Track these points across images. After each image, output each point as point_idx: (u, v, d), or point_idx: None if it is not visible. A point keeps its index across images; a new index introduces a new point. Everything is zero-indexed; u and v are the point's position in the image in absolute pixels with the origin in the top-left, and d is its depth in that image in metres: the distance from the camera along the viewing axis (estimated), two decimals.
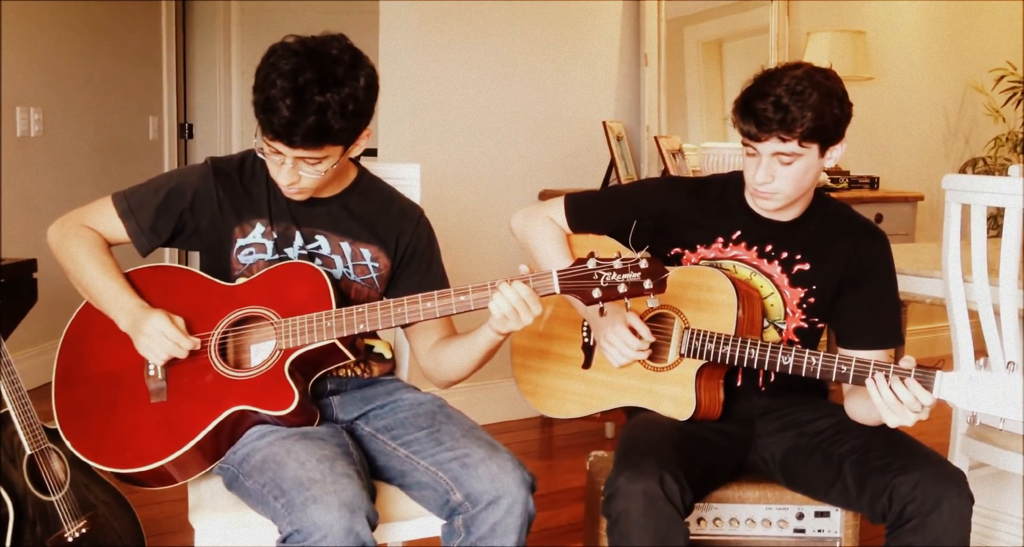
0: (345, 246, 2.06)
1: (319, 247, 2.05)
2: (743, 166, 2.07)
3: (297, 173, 1.91)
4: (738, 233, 2.14)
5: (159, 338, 1.89)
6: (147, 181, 2.07)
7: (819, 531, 2.12)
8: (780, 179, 2.01)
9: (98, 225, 2.04)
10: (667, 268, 1.81)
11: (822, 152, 2.02)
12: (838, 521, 2.12)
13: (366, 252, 2.07)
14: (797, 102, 1.94)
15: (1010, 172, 2.64)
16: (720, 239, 2.15)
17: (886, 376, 1.83)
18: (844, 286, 2.12)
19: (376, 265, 2.08)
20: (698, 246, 2.16)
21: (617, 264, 1.80)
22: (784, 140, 1.96)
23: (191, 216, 2.03)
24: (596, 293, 1.80)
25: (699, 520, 2.12)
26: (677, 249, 2.17)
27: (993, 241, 2.43)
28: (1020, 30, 5.44)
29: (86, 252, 1.99)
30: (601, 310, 1.83)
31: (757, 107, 1.96)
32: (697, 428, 2.06)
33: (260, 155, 1.93)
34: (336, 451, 1.86)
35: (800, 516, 2.12)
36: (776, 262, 2.13)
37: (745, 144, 2.03)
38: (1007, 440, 2.43)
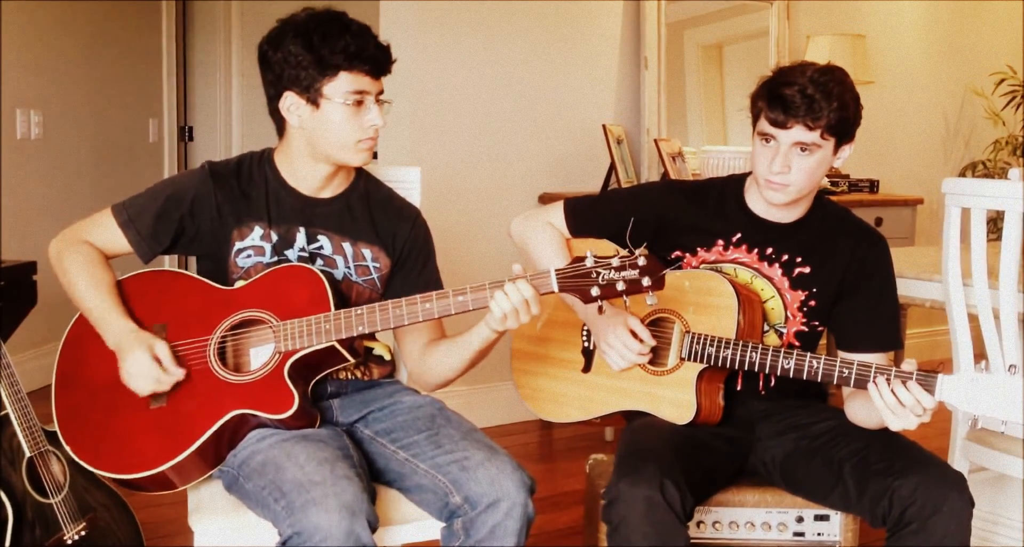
0: (347, 246, 2.06)
1: (321, 247, 2.05)
2: (755, 158, 2.07)
3: (381, 114, 1.96)
4: (738, 235, 2.14)
5: (138, 376, 1.88)
6: (145, 190, 2.07)
7: (818, 535, 2.12)
8: (796, 171, 2.02)
9: (98, 238, 2.04)
10: (664, 266, 1.81)
11: (835, 150, 2.03)
12: (837, 524, 2.12)
13: (367, 252, 2.07)
14: (822, 92, 1.96)
15: (1010, 175, 2.64)
16: (720, 242, 2.15)
17: (887, 380, 1.83)
18: (843, 289, 2.12)
19: (377, 265, 2.08)
20: (698, 249, 2.16)
21: (615, 262, 1.80)
22: (810, 128, 1.98)
23: (191, 221, 2.03)
24: (595, 291, 1.80)
25: (699, 523, 2.12)
26: (677, 252, 2.17)
27: (993, 244, 2.43)
28: (1019, 33, 5.45)
29: (79, 267, 1.99)
30: (600, 308, 1.83)
31: (785, 93, 1.98)
32: (697, 432, 2.06)
33: (341, 109, 1.93)
34: (336, 453, 1.86)
35: (800, 519, 2.12)
36: (777, 265, 2.13)
37: (762, 134, 2.03)
38: (1007, 444, 2.43)
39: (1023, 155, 5.28)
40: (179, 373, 1.90)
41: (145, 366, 1.87)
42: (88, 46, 4.87)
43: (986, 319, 2.35)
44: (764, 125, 2.02)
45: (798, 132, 1.98)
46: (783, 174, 2.02)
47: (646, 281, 1.79)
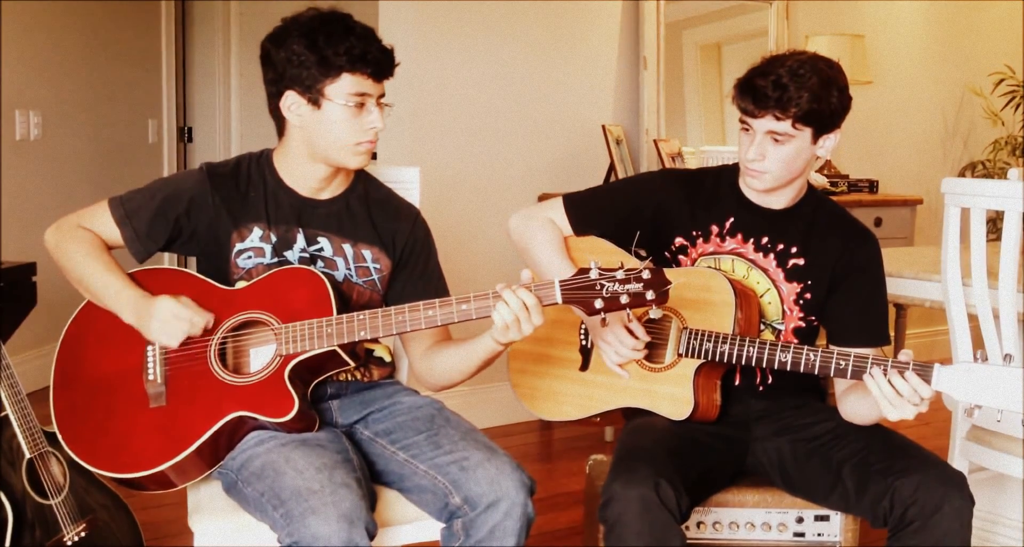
0: (347, 248, 2.06)
1: (321, 249, 2.05)
2: (738, 144, 2.10)
3: (382, 117, 1.96)
4: (731, 220, 2.16)
5: (171, 320, 1.89)
6: (143, 186, 2.06)
7: (819, 535, 2.12)
8: (770, 159, 2.04)
9: (95, 228, 2.04)
10: (669, 282, 1.80)
11: (815, 138, 2.04)
12: (838, 525, 2.12)
13: (367, 253, 2.07)
14: (796, 83, 1.98)
15: (1009, 175, 2.64)
16: (715, 227, 2.16)
17: (884, 370, 1.84)
18: (834, 284, 2.13)
19: (377, 266, 2.08)
20: (696, 235, 2.17)
21: (620, 274, 1.79)
22: (778, 119, 2.00)
23: (187, 222, 2.02)
24: (598, 304, 1.79)
25: (699, 524, 2.12)
26: (680, 239, 2.18)
27: (992, 244, 2.43)
28: (1018, 33, 5.45)
29: (84, 251, 1.99)
30: (603, 320, 1.83)
31: (757, 84, 2.00)
32: (694, 432, 2.06)
33: (342, 110, 1.92)
34: (335, 458, 1.86)
35: (800, 520, 2.12)
36: (772, 255, 2.14)
37: (741, 121, 2.07)
38: (1006, 444, 2.43)
39: (1022, 155, 5.28)
40: (208, 316, 1.92)
41: (175, 308, 1.89)
42: (87, 47, 4.87)
43: (985, 319, 2.36)
44: (740, 113, 2.05)
45: (768, 122, 2.01)
46: (758, 162, 2.05)
47: (650, 295, 1.78)
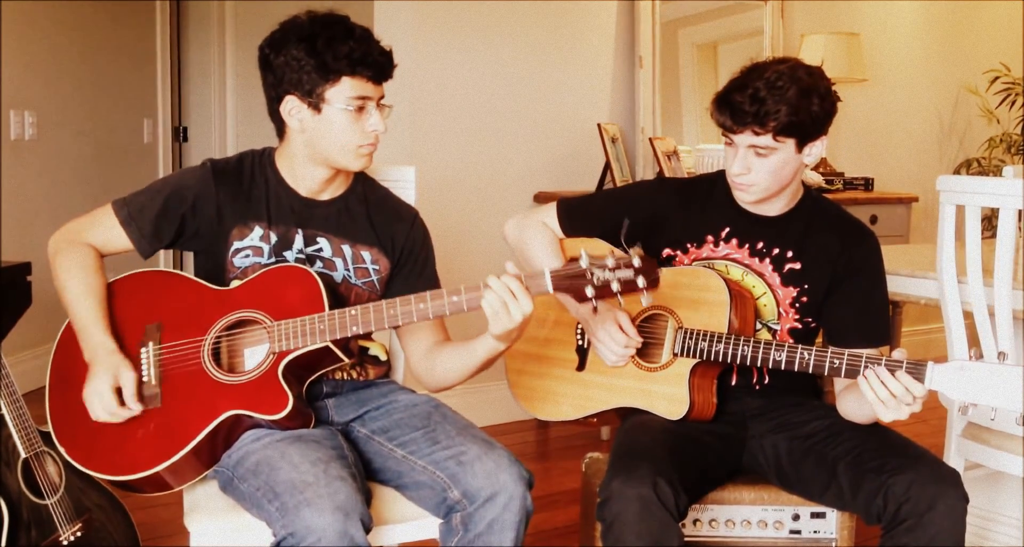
0: (346, 249, 2.06)
1: (320, 250, 2.05)
2: (724, 158, 2.09)
3: (383, 120, 1.97)
4: (727, 229, 2.15)
5: (96, 402, 1.88)
6: (146, 186, 2.07)
7: (815, 532, 2.13)
8: (756, 171, 2.03)
9: (98, 236, 2.03)
10: (659, 266, 1.81)
11: (799, 147, 2.03)
12: (834, 522, 2.12)
13: (366, 255, 2.07)
14: (774, 96, 1.95)
15: (1004, 173, 2.65)
16: (710, 236, 2.16)
17: (876, 373, 1.83)
18: (834, 284, 2.13)
19: (376, 267, 2.08)
20: (689, 246, 2.16)
21: (610, 262, 1.79)
22: (758, 133, 1.98)
23: (192, 219, 2.02)
24: (589, 291, 1.79)
25: (695, 521, 2.12)
26: (668, 250, 2.17)
27: (988, 242, 2.43)
28: (1016, 33, 5.46)
29: (72, 271, 1.98)
30: (594, 308, 1.82)
31: (735, 99, 1.98)
32: (691, 430, 2.06)
33: (343, 114, 1.93)
34: (331, 454, 1.86)
35: (796, 517, 2.12)
36: (767, 260, 2.14)
37: (724, 135, 2.05)
38: (1002, 441, 2.43)
39: (1017, 152, 5.29)
40: (136, 409, 1.89)
41: (104, 395, 1.87)
42: (82, 46, 4.87)
43: (981, 316, 2.36)
44: (720, 128, 2.04)
45: (748, 137, 2.00)
46: (744, 175, 2.04)
47: (641, 281, 1.78)
